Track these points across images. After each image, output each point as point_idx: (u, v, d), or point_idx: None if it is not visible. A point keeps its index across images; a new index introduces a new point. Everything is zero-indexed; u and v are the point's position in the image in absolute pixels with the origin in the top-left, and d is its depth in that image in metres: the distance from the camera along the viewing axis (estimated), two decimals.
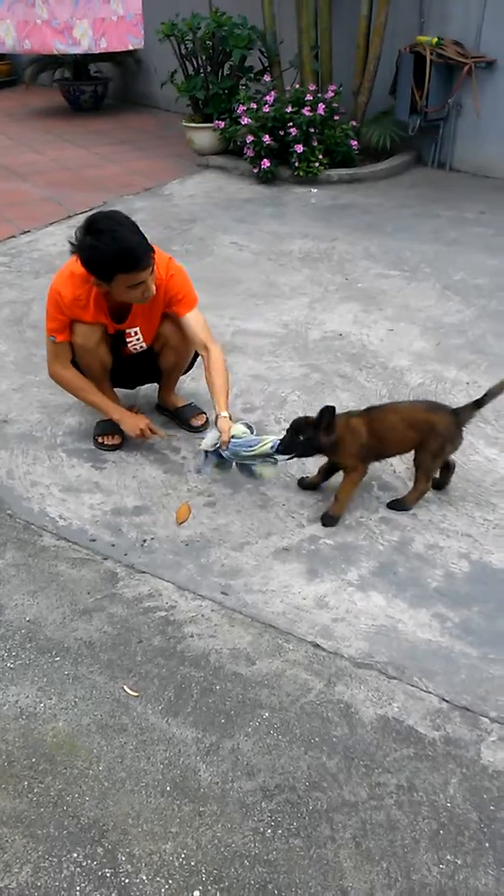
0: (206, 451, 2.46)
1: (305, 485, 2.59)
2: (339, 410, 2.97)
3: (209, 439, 2.45)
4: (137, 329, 2.63)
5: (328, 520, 2.43)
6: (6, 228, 4.98)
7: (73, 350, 2.62)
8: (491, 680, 1.92)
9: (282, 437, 2.36)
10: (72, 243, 2.33)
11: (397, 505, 2.49)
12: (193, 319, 2.61)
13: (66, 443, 2.85)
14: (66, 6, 7.44)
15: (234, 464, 2.47)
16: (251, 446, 2.39)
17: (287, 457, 2.39)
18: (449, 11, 5.67)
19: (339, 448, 2.37)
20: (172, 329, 2.68)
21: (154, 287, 2.42)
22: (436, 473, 2.50)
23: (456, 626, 2.07)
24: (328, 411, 2.29)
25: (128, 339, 2.65)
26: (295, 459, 2.51)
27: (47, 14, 7.50)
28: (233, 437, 2.40)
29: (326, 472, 2.56)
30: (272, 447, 2.36)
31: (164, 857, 1.56)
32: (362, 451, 2.40)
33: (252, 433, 2.46)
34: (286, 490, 2.58)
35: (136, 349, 2.70)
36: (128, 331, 2.63)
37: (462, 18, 5.63)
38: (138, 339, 2.66)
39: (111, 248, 2.25)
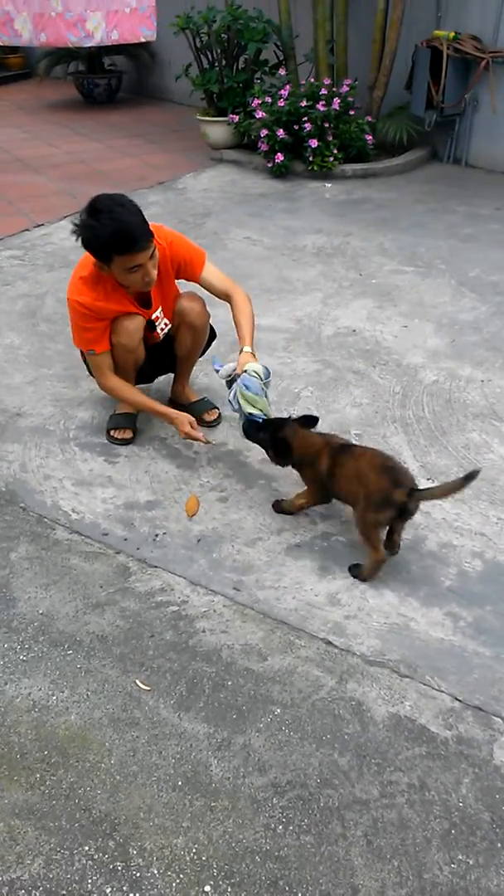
0: (227, 381, 2.48)
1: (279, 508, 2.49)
2: (352, 407, 2.97)
3: (226, 369, 2.48)
4: (160, 308, 2.65)
5: (276, 505, 2.47)
6: (20, 221, 4.98)
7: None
8: None
9: (269, 415, 2.38)
10: (74, 224, 2.34)
11: (354, 571, 2.23)
12: (210, 274, 2.61)
13: (78, 436, 2.85)
14: None
15: (234, 394, 2.45)
16: (254, 394, 2.38)
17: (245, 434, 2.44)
18: (466, 6, 5.62)
19: (299, 470, 2.37)
20: (188, 305, 2.69)
21: (155, 273, 2.42)
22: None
23: (469, 626, 2.06)
24: (282, 429, 2.30)
25: (156, 323, 2.67)
26: None
27: (62, 7, 7.49)
28: (246, 371, 2.41)
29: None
30: (249, 416, 2.39)
31: (176, 851, 1.57)
32: (319, 486, 2.33)
33: (267, 377, 2.44)
34: (299, 486, 2.57)
35: (163, 330, 2.71)
36: (154, 315, 2.64)
37: (479, 13, 5.58)
38: (162, 318, 2.67)
39: (108, 229, 2.25)
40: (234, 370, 2.46)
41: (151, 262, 2.37)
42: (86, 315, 2.50)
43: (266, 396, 2.43)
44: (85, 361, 2.84)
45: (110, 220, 2.25)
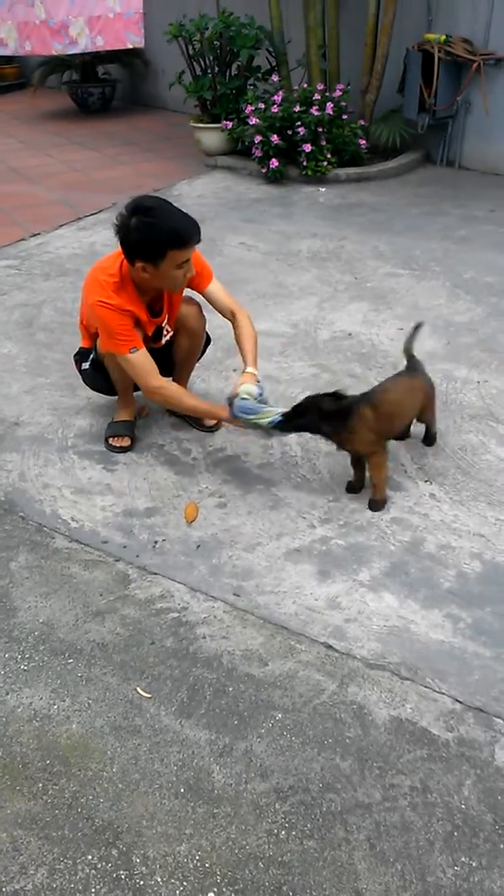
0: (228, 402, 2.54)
1: (351, 488, 2.58)
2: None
3: (229, 394, 2.56)
4: (167, 317, 2.67)
5: (374, 504, 2.50)
6: (16, 231, 5.00)
7: (102, 357, 2.65)
8: None
9: (285, 412, 2.39)
10: (116, 224, 2.33)
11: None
12: (215, 290, 2.65)
13: (77, 445, 2.86)
14: (63, 4, 7.41)
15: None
16: (253, 413, 2.44)
17: (282, 433, 2.50)
18: (457, 9, 5.65)
19: (352, 438, 2.41)
20: (187, 311, 2.71)
21: (193, 267, 2.45)
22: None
23: (469, 627, 2.06)
24: (330, 401, 2.35)
25: (162, 330, 2.69)
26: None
27: (45, 13, 7.47)
28: (240, 395, 2.46)
29: (357, 464, 2.55)
30: (270, 423, 2.41)
31: (179, 858, 1.57)
32: (376, 437, 2.43)
33: (260, 396, 2.48)
34: (297, 491, 2.58)
35: (165, 338, 2.73)
36: (163, 323, 2.66)
37: (470, 16, 5.60)
38: (167, 326, 2.70)
39: (168, 224, 2.28)
40: (232, 392, 2.52)
41: (192, 260, 2.42)
42: (115, 312, 2.44)
43: (266, 408, 2.47)
44: (81, 374, 2.85)
45: (169, 214, 2.30)
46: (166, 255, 2.32)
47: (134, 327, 2.52)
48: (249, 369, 2.56)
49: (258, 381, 2.55)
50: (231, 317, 2.67)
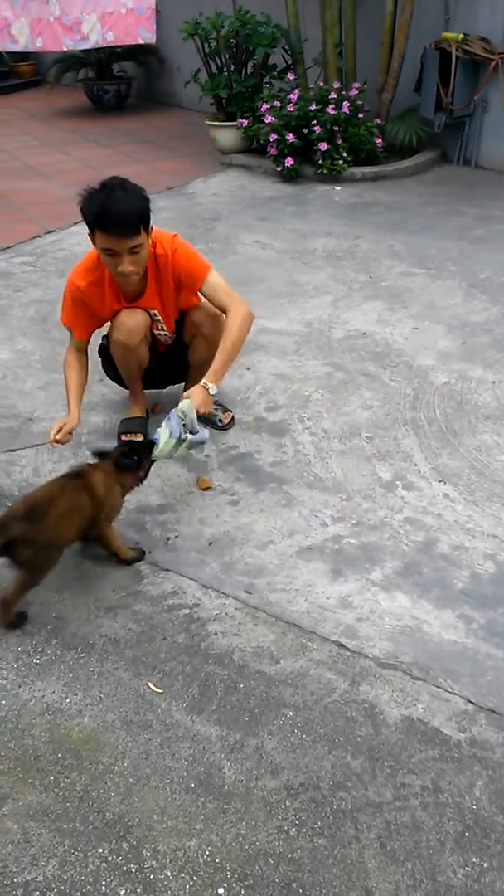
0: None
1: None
2: (362, 410, 2.97)
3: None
4: (157, 312, 2.64)
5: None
6: (31, 228, 5.02)
7: (109, 344, 2.70)
8: None
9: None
10: (85, 190, 2.40)
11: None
12: (211, 287, 2.54)
13: (90, 441, 2.86)
14: (77, 1, 7.44)
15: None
16: (173, 434, 2.26)
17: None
18: (475, 7, 5.61)
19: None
20: (203, 316, 2.69)
21: (132, 270, 2.40)
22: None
23: (482, 628, 2.05)
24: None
25: (153, 329, 2.68)
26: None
27: (59, 11, 7.51)
28: (180, 409, 2.29)
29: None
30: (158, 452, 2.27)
31: (189, 853, 1.57)
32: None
33: (184, 418, 2.28)
34: (309, 489, 2.58)
35: (162, 336, 2.72)
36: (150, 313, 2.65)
37: (488, 14, 5.56)
38: (160, 322, 2.68)
39: (98, 202, 2.31)
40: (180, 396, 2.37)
41: (130, 258, 2.37)
42: (69, 299, 2.60)
43: (179, 441, 2.28)
44: (100, 350, 2.86)
45: (105, 197, 2.31)
46: (94, 230, 2.37)
47: (90, 319, 2.62)
48: (203, 382, 2.38)
49: (214, 398, 2.38)
50: (224, 313, 2.54)
